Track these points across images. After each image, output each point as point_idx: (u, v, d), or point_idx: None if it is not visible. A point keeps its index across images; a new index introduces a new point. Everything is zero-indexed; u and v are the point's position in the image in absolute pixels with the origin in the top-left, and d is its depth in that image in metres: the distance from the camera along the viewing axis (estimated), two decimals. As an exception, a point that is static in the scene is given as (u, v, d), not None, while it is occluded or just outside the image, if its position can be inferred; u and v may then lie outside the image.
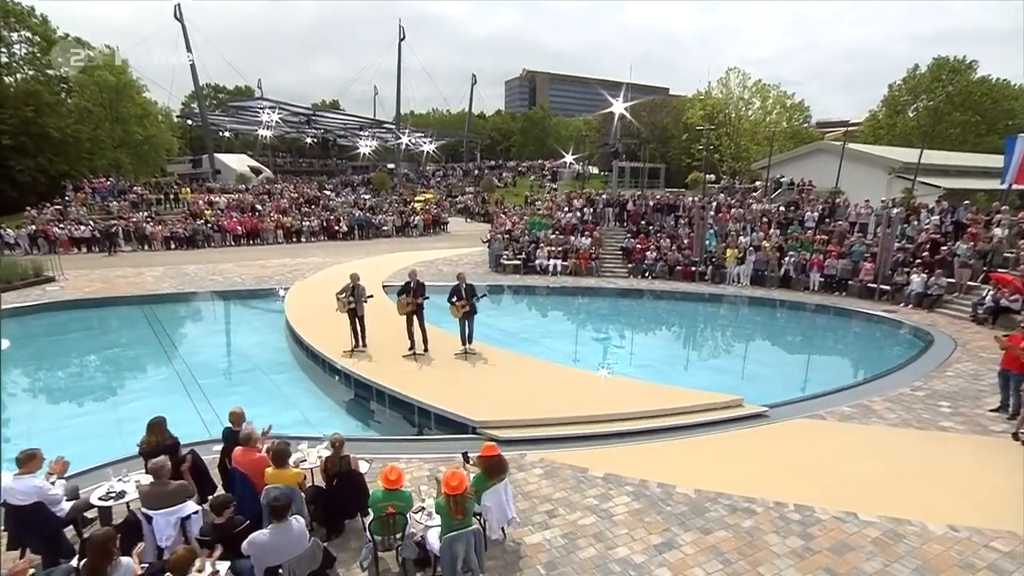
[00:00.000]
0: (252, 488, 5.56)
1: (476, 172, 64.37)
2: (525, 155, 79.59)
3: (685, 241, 22.84)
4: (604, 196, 27.02)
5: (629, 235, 23.90)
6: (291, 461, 5.90)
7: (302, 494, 5.69)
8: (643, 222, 24.88)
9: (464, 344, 11.61)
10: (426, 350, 11.47)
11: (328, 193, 40.68)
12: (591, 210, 26.04)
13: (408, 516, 5.37)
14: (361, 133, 63.68)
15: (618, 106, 31.74)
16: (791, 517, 6.49)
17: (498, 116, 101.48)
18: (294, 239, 30.39)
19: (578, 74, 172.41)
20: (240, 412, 6.29)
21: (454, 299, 11.37)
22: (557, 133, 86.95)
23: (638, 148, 44.74)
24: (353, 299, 11.15)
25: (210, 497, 5.07)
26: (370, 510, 5.32)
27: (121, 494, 5.31)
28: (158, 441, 5.76)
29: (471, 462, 6.01)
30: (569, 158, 51.69)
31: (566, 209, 26.51)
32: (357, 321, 11.41)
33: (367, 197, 41.67)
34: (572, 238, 23.92)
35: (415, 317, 11.30)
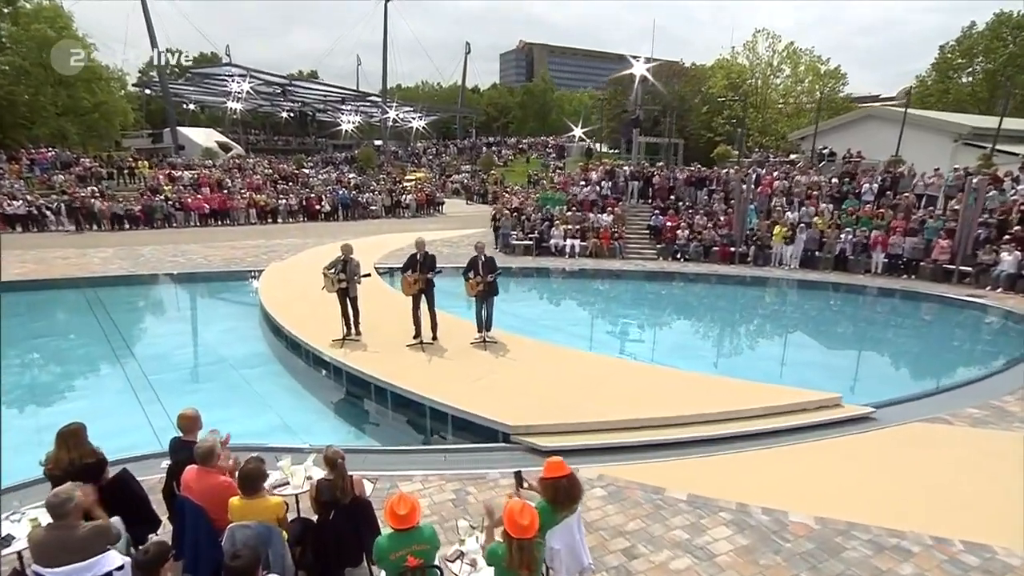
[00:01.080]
0: (209, 526, 4.10)
1: (472, 149, 62.73)
2: (525, 131, 77.86)
3: (722, 218, 21.46)
4: (627, 168, 25.55)
5: (657, 212, 22.47)
6: (267, 485, 4.43)
7: (283, 533, 4.24)
8: (672, 197, 23.45)
9: (481, 331, 10.19)
10: (435, 338, 10.05)
11: (307, 171, 38.93)
12: (611, 184, 24.57)
13: (442, 567, 3.93)
14: (343, 107, 61.77)
15: (639, 67, 30.16)
16: (966, 561, 5.08)
17: (494, 90, 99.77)
18: (269, 219, 28.81)
19: (579, 47, 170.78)
20: (194, 415, 4.82)
21: (470, 274, 9.93)
22: (560, 107, 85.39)
23: (661, 116, 43.16)
24: (344, 276, 9.68)
25: (142, 547, 3.59)
26: (378, 565, 3.86)
27: (7, 540, 3.82)
28: (72, 459, 4.28)
29: (527, 485, 4.57)
30: (578, 131, 50.18)
31: (582, 183, 25.04)
32: (349, 303, 9.97)
33: (352, 176, 40.05)
34: (591, 215, 22.48)
35: (423, 298, 9.85)
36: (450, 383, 8.35)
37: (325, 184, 34.86)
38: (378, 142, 58.32)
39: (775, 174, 23.89)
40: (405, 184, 39.31)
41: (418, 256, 9.75)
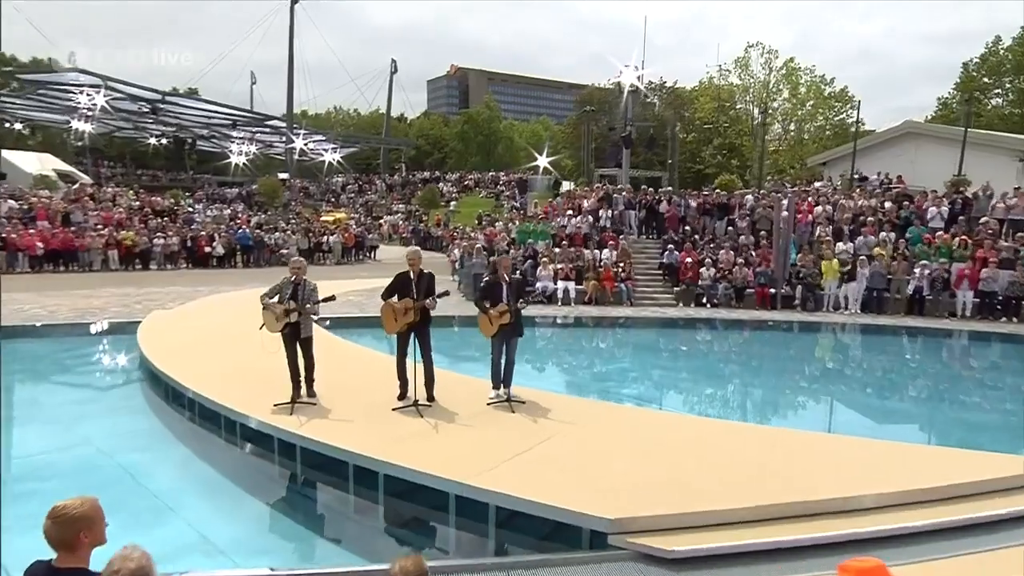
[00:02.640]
0: None
1: (405, 187, 61.59)
2: (468, 166, 77.93)
3: (753, 253, 20.66)
4: (624, 194, 24.72)
5: (670, 246, 21.45)
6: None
7: None
8: (686, 228, 22.59)
9: (498, 386, 8.42)
10: (431, 398, 8.25)
11: (189, 207, 36.39)
12: (609, 213, 23.56)
13: None
14: (233, 134, 59.58)
15: (628, 74, 29.99)
16: None
17: (426, 119, 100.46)
18: (138, 264, 26.22)
19: (524, 73, 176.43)
20: (81, 514, 2.81)
21: (486, 303, 8.25)
22: (509, 139, 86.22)
23: (657, 134, 43.31)
24: (295, 305, 7.80)
25: None
26: None
27: None
28: None
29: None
30: (543, 160, 49.96)
31: (569, 213, 23.94)
32: (300, 348, 8.04)
33: (252, 215, 37.88)
34: (584, 251, 21.25)
35: (413, 337, 8.05)
36: (484, 459, 6.48)
37: (217, 222, 32.52)
38: (283, 175, 55.99)
39: (810, 199, 23.54)
40: (325, 223, 37.43)
41: (411, 275, 8.00)
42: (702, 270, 20.03)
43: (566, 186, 43.83)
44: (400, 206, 53.52)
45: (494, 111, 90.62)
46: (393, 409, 7.95)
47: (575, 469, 6.35)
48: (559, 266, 20.27)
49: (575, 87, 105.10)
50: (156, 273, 25.59)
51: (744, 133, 51.05)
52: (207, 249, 27.94)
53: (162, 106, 51.63)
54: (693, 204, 24.02)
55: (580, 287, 19.85)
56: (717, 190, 26.98)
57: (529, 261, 20.74)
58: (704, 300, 19.61)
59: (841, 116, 49.31)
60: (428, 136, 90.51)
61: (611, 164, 38.86)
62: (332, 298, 8.17)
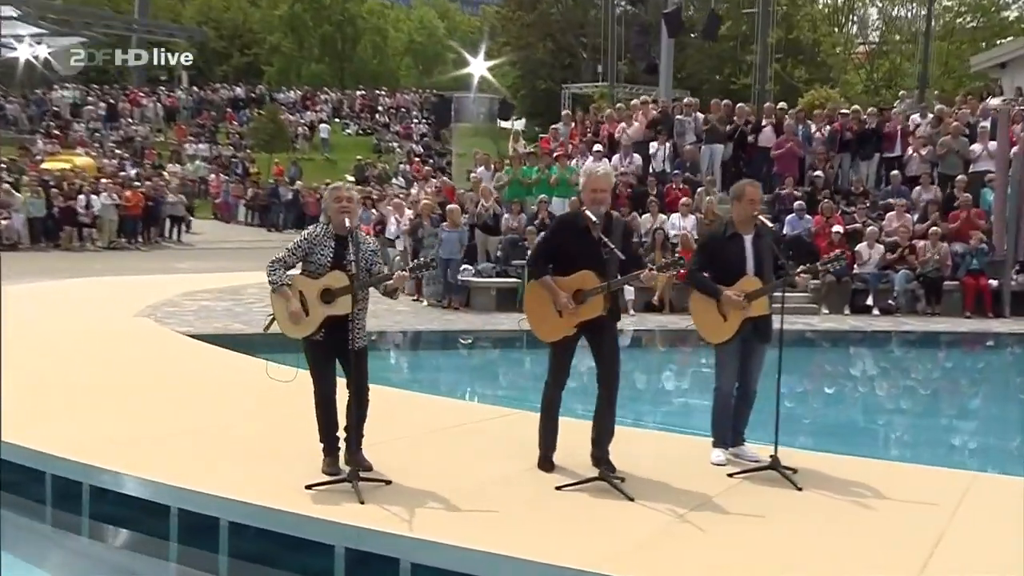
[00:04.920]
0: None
1: (201, 111, 40.96)
2: (301, 79, 49.97)
3: (945, 218, 13.69)
4: (695, 116, 16.51)
5: (798, 204, 14.12)
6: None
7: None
8: (815, 175, 15.13)
9: (726, 442, 4.92)
10: (608, 463, 4.42)
11: None
12: (668, 149, 15.92)
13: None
14: None
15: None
16: None
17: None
18: None
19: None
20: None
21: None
22: (383, 38, 56.60)
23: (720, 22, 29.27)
24: (347, 281, 4.23)
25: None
26: None
27: None
28: None
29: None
30: (480, 67, 34.35)
31: (597, 148, 16.03)
32: (346, 369, 4.38)
33: None
34: (635, 215, 14.06)
35: (592, 347, 4.57)
36: None
37: None
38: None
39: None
40: (63, 173, 23.93)
41: (589, 220, 4.32)
42: (859, 248, 13.13)
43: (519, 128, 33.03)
44: (201, 146, 36.21)
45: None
46: (559, 488, 4.25)
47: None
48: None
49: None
50: None
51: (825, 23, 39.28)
52: None
53: None
54: (821, 134, 15.78)
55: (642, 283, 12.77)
56: (856, 109, 16.90)
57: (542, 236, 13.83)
58: (869, 301, 13.14)
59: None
60: (222, 23, 52.89)
61: (644, 66, 29.73)
62: (430, 265, 5.09)
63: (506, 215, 14.32)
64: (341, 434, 4.29)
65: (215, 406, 6.13)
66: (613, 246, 4.13)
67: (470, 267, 13.60)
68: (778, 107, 16.71)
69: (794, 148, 15.44)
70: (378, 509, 3.74)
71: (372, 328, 5.36)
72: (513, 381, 10.15)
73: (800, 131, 15.80)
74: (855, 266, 13.24)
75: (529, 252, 11.37)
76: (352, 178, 29.16)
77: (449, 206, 13.99)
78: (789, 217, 13.89)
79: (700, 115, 16.49)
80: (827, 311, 13.01)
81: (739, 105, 17.11)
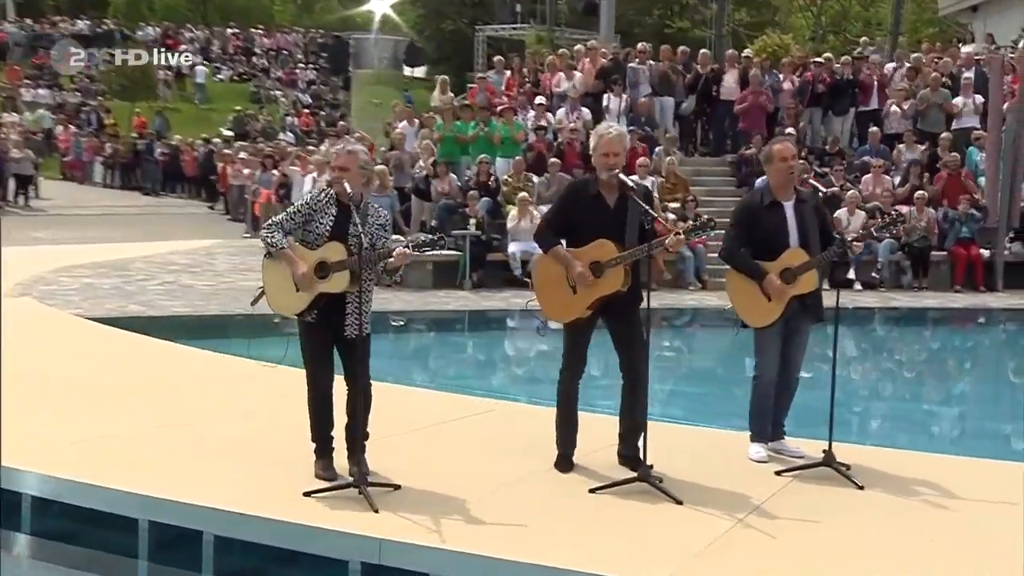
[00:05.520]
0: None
1: (36, 48, 34.77)
2: (159, 13, 43.08)
3: (930, 180, 12.81)
4: (649, 64, 14.74)
5: (747, 168, 13.11)
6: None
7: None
8: (787, 130, 12.91)
9: (766, 437, 4.43)
10: (639, 458, 3.89)
11: None
12: (623, 102, 14.15)
13: None
14: None
15: None
16: None
17: None
18: None
19: None
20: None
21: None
22: None
23: None
24: (352, 254, 3.77)
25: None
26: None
27: None
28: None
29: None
30: (384, 4, 30.76)
31: (539, 101, 14.58)
32: (345, 359, 3.93)
33: None
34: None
35: (611, 330, 4.12)
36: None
37: None
38: None
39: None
40: None
41: (602, 184, 3.96)
42: (839, 214, 11.26)
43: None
44: (41, 91, 31.18)
45: None
46: (592, 491, 3.80)
47: None
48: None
49: None
50: None
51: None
52: None
53: None
54: (789, 85, 14.21)
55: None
56: (828, 57, 15.57)
57: (484, 201, 12.33)
58: (851, 274, 11.41)
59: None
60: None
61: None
62: (441, 240, 4.06)
63: (433, 179, 12.65)
64: (336, 433, 3.89)
65: (164, 402, 5.34)
66: (647, 207, 3.71)
67: (401, 238, 11.98)
68: (743, 54, 15.27)
69: (764, 102, 13.73)
70: (395, 518, 3.31)
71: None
72: (459, 370, 9.19)
73: (767, 82, 14.05)
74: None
75: (471, 221, 11.47)
76: (230, 132, 26.23)
77: (377, 167, 11.65)
78: (758, 182, 12.86)
79: (654, 64, 14.67)
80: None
81: (702, 52, 15.61)
